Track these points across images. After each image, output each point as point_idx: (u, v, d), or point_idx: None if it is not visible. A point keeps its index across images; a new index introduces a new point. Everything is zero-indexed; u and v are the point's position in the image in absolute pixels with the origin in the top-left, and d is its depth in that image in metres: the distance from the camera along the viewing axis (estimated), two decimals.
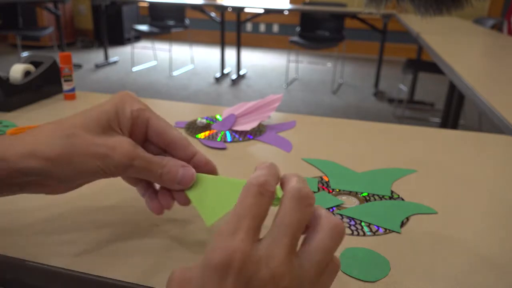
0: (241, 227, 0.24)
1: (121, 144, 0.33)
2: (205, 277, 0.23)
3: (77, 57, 4.94)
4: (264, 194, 0.25)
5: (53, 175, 0.32)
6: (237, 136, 0.62)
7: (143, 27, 4.38)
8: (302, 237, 0.26)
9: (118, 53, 5.18)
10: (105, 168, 0.32)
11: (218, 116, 0.70)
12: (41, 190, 0.34)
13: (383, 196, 0.46)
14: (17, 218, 0.39)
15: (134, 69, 4.42)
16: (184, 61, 4.84)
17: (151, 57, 4.95)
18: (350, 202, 0.45)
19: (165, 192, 0.36)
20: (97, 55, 5.07)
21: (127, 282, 0.32)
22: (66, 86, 0.76)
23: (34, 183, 0.32)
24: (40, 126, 0.33)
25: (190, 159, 0.36)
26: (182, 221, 0.40)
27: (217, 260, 0.22)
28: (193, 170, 0.34)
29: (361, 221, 0.41)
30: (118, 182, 0.46)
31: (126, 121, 0.34)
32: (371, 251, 0.37)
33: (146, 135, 0.36)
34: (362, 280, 0.33)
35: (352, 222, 0.41)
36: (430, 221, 0.42)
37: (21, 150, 0.31)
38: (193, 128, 0.65)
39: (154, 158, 0.34)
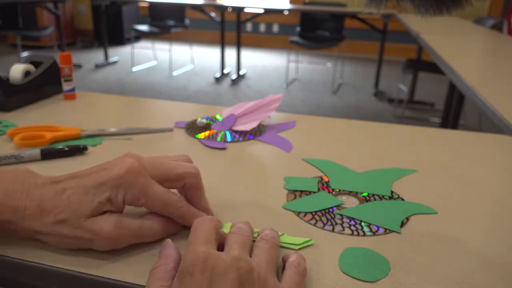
0: (197, 240, 0.30)
1: (106, 228, 0.33)
2: (181, 281, 0.28)
3: (77, 57, 4.94)
4: (209, 219, 0.33)
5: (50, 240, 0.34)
6: (237, 136, 0.62)
7: (143, 27, 4.38)
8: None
9: (118, 53, 5.18)
10: (92, 246, 0.34)
11: (218, 116, 0.70)
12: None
13: (383, 196, 0.46)
14: None
15: (134, 69, 4.42)
16: (184, 61, 4.84)
17: (151, 57, 4.95)
18: (350, 202, 0.45)
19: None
20: (97, 55, 5.07)
21: (127, 282, 0.32)
22: (66, 86, 0.76)
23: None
24: (40, 198, 0.34)
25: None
26: None
27: (186, 262, 0.28)
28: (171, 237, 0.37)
29: (361, 221, 0.41)
30: None
31: (116, 205, 0.35)
32: (371, 251, 0.37)
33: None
34: (362, 280, 0.33)
35: (352, 222, 0.41)
36: (430, 221, 0.42)
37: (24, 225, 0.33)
38: (193, 128, 0.65)
39: (137, 227, 0.35)
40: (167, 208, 0.36)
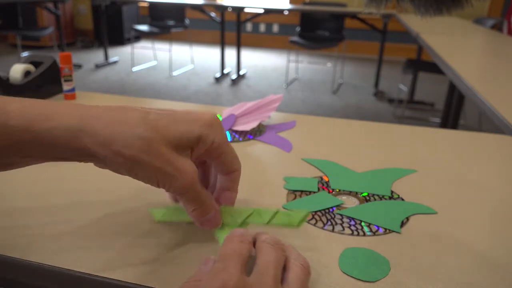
0: (229, 264, 0.28)
1: (187, 170, 0.32)
2: None
3: (77, 57, 4.94)
4: (243, 241, 0.31)
5: (114, 165, 0.32)
6: (237, 136, 0.62)
7: (143, 27, 4.38)
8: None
9: (118, 53, 5.18)
10: (162, 185, 0.32)
11: (218, 116, 0.70)
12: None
13: (383, 196, 0.46)
14: (17, 218, 0.39)
15: (134, 69, 4.42)
16: (184, 61, 4.84)
17: (151, 57, 4.95)
18: (350, 202, 0.45)
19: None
20: (97, 55, 5.07)
21: (127, 282, 0.32)
22: (66, 86, 0.76)
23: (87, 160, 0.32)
24: (126, 109, 0.32)
25: (227, 190, 0.38)
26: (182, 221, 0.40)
27: (215, 286, 0.26)
28: (219, 222, 0.36)
29: (361, 221, 0.41)
30: (118, 181, 0.46)
31: (202, 148, 0.34)
32: (371, 251, 0.37)
33: (209, 155, 0.36)
34: (362, 280, 0.33)
35: (352, 222, 0.41)
36: (430, 221, 0.42)
37: (99, 137, 0.30)
38: None
39: (202, 193, 0.34)
40: (237, 163, 0.37)
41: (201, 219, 0.35)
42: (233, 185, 0.38)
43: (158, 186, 0.32)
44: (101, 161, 0.31)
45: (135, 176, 0.32)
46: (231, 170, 0.38)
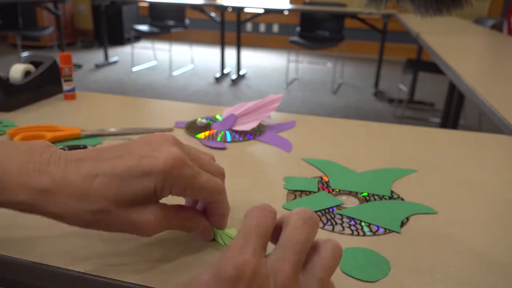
0: (248, 244, 0.25)
1: (146, 222, 0.32)
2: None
3: (77, 57, 4.94)
4: (267, 215, 0.27)
5: (71, 222, 0.32)
6: (237, 136, 0.62)
7: (143, 27, 4.38)
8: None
9: (118, 53, 5.18)
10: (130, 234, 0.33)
11: (218, 116, 0.70)
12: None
13: (383, 196, 0.46)
14: (17, 218, 0.39)
15: (134, 69, 4.42)
16: (184, 61, 4.84)
17: (151, 57, 4.95)
18: (350, 202, 0.45)
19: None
20: (97, 55, 5.07)
21: (127, 282, 0.32)
22: (66, 86, 0.76)
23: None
24: (72, 172, 0.31)
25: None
26: None
27: (229, 272, 0.23)
28: (211, 234, 0.36)
29: (361, 221, 0.41)
30: None
31: (160, 196, 0.33)
32: (371, 251, 0.37)
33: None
34: (362, 280, 0.33)
35: (352, 222, 0.41)
36: (430, 221, 0.42)
37: (51, 214, 0.31)
38: (193, 128, 0.65)
39: (174, 224, 0.34)
40: (213, 195, 0.34)
41: (196, 229, 0.36)
42: (216, 213, 0.36)
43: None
44: (65, 221, 0.32)
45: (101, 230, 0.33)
46: (209, 202, 0.35)
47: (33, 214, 0.31)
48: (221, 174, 0.36)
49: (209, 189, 0.34)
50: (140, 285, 0.32)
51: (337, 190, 0.47)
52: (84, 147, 0.54)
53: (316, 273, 0.26)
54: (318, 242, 0.28)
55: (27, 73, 0.73)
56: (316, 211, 0.43)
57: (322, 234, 0.39)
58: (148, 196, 0.31)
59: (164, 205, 0.33)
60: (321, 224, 0.40)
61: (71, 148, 0.53)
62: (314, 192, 0.47)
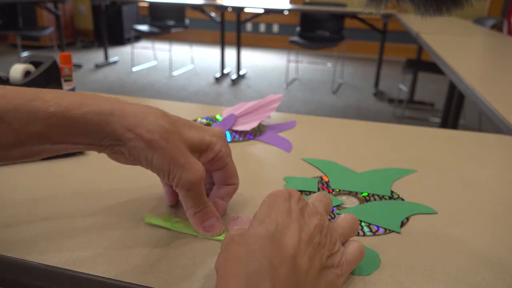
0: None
1: (197, 166, 0.35)
2: (272, 202, 0.30)
3: (77, 57, 4.94)
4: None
5: (134, 150, 0.34)
6: (237, 136, 0.62)
7: (143, 27, 4.38)
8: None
9: (118, 53, 5.18)
10: (172, 176, 0.34)
11: (218, 116, 0.70)
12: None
13: (383, 196, 0.46)
14: (17, 218, 0.39)
15: (134, 69, 4.42)
16: (184, 61, 4.84)
17: (151, 57, 4.95)
18: (350, 202, 0.45)
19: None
20: (97, 55, 5.07)
21: (127, 282, 0.32)
22: (66, 86, 0.76)
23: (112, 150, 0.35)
24: (151, 107, 0.36)
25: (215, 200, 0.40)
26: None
27: (281, 191, 0.31)
28: (222, 228, 0.38)
29: (361, 221, 0.41)
30: (118, 183, 0.46)
31: (210, 155, 0.38)
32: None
33: (217, 170, 0.40)
34: (355, 275, 0.33)
35: None
36: (430, 221, 0.42)
37: (126, 121, 0.33)
38: None
39: (205, 197, 0.36)
40: (236, 178, 0.41)
41: (203, 223, 0.36)
42: (227, 197, 0.41)
43: (168, 177, 0.34)
44: (125, 145, 0.34)
45: (150, 163, 0.34)
46: (231, 182, 0.40)
47: (108, 130, 0.33)
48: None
49: (236, 170, 0.41)
50: (140, 285, 0.32)
51: (337, 190, 0.47)
52: None
53: (338, 228, 0.33)
54: (339, 215, 0.35)
55: (27, 73, 0.73)
56: None
57: None
58: (202, 148, 0.37)
59: None
60: None
61: None
62: (314, 192, 0.47)
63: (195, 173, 0.34)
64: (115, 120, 0.33)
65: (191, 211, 0.36)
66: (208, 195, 0.41)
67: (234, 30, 4.31)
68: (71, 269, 0.33)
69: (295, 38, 3.96)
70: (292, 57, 4.64)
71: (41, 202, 0.42)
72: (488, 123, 2.95)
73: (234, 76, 4.11)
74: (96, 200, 0.43)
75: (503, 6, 4.84)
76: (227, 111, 0.70)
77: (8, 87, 0.32)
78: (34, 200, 0.42)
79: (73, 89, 0.77)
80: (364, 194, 0.47)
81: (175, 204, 0.42)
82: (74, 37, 5.93)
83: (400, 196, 0.46)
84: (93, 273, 0.33)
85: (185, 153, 0.34)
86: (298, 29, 4.20)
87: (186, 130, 0.36)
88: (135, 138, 0.33)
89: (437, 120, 3.12)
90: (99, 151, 0.35)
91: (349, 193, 0.47)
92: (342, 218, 0.35)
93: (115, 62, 4.73)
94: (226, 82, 4.05)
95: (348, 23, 4.47)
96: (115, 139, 0.34)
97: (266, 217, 0.29)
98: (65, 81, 0.76)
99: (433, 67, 2.40)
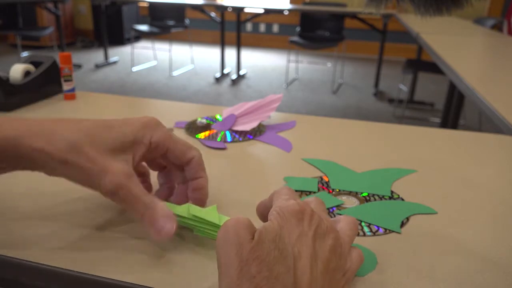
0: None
1: (114, 170, 0.33)
2: (283, 223, 0.28)
3: (77, 57, 4.94)
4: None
5: (49, 168, 0.34)
6: (237, 136, 0.62)
7: (143, 27, 4.38)
8: None
9: (118, 53, 5.18)
10: (92, 185, 0.33)
11: (218, 116, 0.70)
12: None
13: (383, 196, 0.46)
14: (17, 219, 0.39)
15: (134, 69, 4.42)
16: (184, 61, 4.84)
17: (151, 57, 4.95)
18: (350, 202, 0.45)
19: (181, 192, 0.40)
20: (97, 55, 5.07)
21: (127, 282, 0.32)
22: (66, 86, 0.76)
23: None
24: (62, 120, 0.35)
25: (195, 179, 0.39)
26: None
27: (296, 207, 0.29)
28: (174, 226, 0.34)
29: (361, 221, 0.41)
30: None
31: (140, 149, 0.36)
32: (356, 245, 0.37)
33: (164, 155, 0.38)
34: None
35: None
36: (430, 221, 0.42)
37: (34, 143, 0.32)
38: (193, 128, 0.65)
39: (143, 196, 0.34)
40: (190, 151, 0.38)
41: (153, 227, 0.33)
42: (197, 172, 0.38)
43: (90, 186, 0.33)
44: (40, 166, 0.33)
45: (68, 177, 0.34)
46: (187, 159, 0.38)
47: (18, 154, 0.33)
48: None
49: (186, 146, 0.38)
50: (140, 285, 0.32)
51: (337, 190, 0.47)
52: None
53: (342, 234, 0.32)
54: (339, 217, 0.34)
55: (27, 73, 0.73)
56: None
57: None
58: (127, 147, 0.35)
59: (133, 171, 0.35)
60: None
61: None
62: (314, 192, 0.47)
63: (112, 177, 0.33)
64: (23, 142, 0.32)
65: (136, 217, 0.34)
66: (173, 189, 0.41)
67: (234, 30, 4.31)
68: (71, 269, 0.33)
69: (295, 38, 3.96)
70: (292, 57, 4.64)
71: (41, 202, 0.42)
72: (488, 123, 2.95)
73: (234, 76, 4.11)
74: (95, 200, 0.43)
75: (503, 6, 4.84)
76: (227, 111, 0.70)
77: None
78: (34, 200, 0.42)
79: (73, 89, 0.77)
80: (364, 194, 0.47)
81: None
82: (74, 37, 5.93)
83: (400, 196, 0.46)
84: (93, 273, 0.33)
85: (98, 160, 0.33)
86: (298, 29, 4.20)
87: (105, 133, 0.34)
88: (44, 158, 0.32)
89: (437, 120, 3.12)
90: (21, 169, 0.35)
91: (349, 193, 0.47)
92: (346, 224, 0.33)
93: (115, 62, 4.73)
94: (226, 82, 4.05)
95: (348, 23, 4.47)
96: (29, 161, 0.33)
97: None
98: (65, 81, 0.76)
99: (433, 67, 2.40)
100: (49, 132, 0.33)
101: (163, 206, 0.34)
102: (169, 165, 0.41)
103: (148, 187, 0.42)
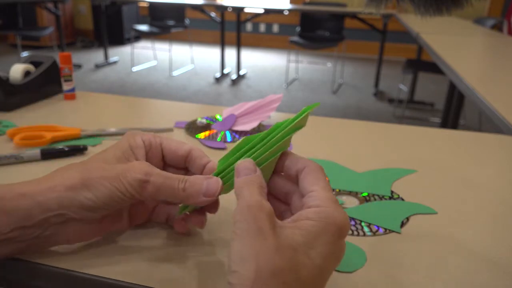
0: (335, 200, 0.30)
1: (136, 165, 0.33)
2: (327, 232, 0.27)
3: (77, 57, 4.94)
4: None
5: (73, 205, 0.31)
6: (237, 136, 0.62)
7: (143, 27, 4.38)
8: None
9: (118, 53, 5.18)
10: (121, 188, 0.31)
11: (218, 116, 0.70)
12: (66, 234, 0.33)
13: (383, 196, 0.46)
14: None
15: (134, 69, 4.42)
16: (184, 61, 4.84)
17: (151, 57, 4.95)
18: (350, 202, 0.45)
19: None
20: (97, 55, 5.07)
21: (127, 282, 0.32)
22: (66, 86, 0.76)
23: (57, 223, 0.32)
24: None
25: (204, 166, 0.36)
26: None
27: (342, 221, 0.28)
28: (219, 179, 0.33)
29: (361, 221, 0.41)
30: None
31: (140, 150, 0.35)
32: (347, 242, 0.37)
33: (164, 160, 0.37)
34: (341, 272, 0.33)
35: (352, 222, 0.41)
36: (430, 221, 0.42)
37: (42, 187, 0.32)
38: (193, 128, 0.65)
39: (173, 174, 0.33)
40: (185, 144, 0.37)
41: (200, 189, 0.33)
42: (202, 159, 0.36)
43: (123, 194, 0.32)
44: (60, 218, 0.32)
45: (96, 201, 0.32)
46: (185, 151, 0.37)
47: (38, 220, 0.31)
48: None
49: (178, 140, 0.37)
50: (140, 285, 0.32)
51: (337, 190, 0.47)
52: (84, 147, 0.54)
53: None
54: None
55: (27, 73, 0.73)
56: None
57: None
58: (126, 150, 0.35)
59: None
60: None
61: (71, 148, 0.53)
62: None
63: (136, 167, 0.32)
64: (28, 204, 0.31)
65: (177, 196, 0.33)
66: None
67: (234, 30, 4.31)
68: (71, 269, 0.33)
69: (295, 38, 3.96)
70: (292, 57, 4.64)
71: None
72: (488, 123, 2.95)
73: (234, 76, 4.11)
74: None
75: (503, 6, 4.84)
76: (227, 111, 0.70)
77: None
78: None
79: (73, 89, 0.77)
80: (364, 194, 0.47)
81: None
82: (74, 37, 5.93)
83: (400, 196, 0.46)
84: (93, 273, 0.33)
85: (112, 167, 0.33)
86: (298, 29, 4.20)
87: (107, 156, 0.34)
88: (56, 195, 0.31)
89: (437, 120, 3.12)
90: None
91: (349, 193, 0.47)
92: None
93: (115, 62, 4.73)
94: (226, 82, 4.05)
95: (348, 23, 4.47)
96: (49, 214, 0.31)
97: (310, 249, 0.26)
98: (65, 81, 0.76)
99: (433, 67, 2.40)
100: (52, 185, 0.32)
101: (196, 175, 0.34)
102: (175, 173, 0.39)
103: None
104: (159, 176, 0.32)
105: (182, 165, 0.37)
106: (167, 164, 0.38)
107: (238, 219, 0.27)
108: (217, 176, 0.34)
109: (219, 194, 0.33)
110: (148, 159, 0.36)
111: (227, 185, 0.34)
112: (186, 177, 0.33)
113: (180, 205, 0.37)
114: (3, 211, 0.30)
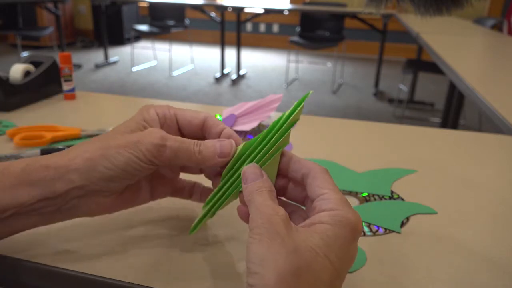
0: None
1: (152, 131, 0.33)
2: (344, 234, 0.27)
3: (77, 57, 4.94)
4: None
5: (93, 176, 0.32)
6: None
7: (143, 27, 4.38)
8: None
9: (118, 53, 5.18)
10: (138, 154, 0.32)
11: (218, 116, 0.70)
12: (87, 207, 0.33)
13: (383, 196, 0.46)
14: None
15: (134, 69, 4.42)
16: (184, 61, 4.84)
17: (151, 57, 4.95)
18: (350, 202, 0.45)
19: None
20: (97, 55, 5.07)
21: (127, 282, 0.32)
22: (66, 86, 0.76)
23: (79, 196, 0.32)
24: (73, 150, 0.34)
25: (219, 133, 0.36)
26: (182, 220, 0.40)
27: (356, 222, 0.28)
28: (231, 140, 0.35)
29: None
30: None
31: (155, 123, 0.35)
32: None
33: (180, 131, 0.37)
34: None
35: None
36: (430, 221, 0.42)
37: (64, 159, 0.32)
38: None
39: (187, 139, 0.34)
40: (200, 113, 0.37)
41: (215, 151, 0.34)
42: (218, 127, 0.37)
43: (140, 160, 0.32)
44: (81, 190, 0.32)
45: (115, 170, 0.32)
46: (200, 120, 0.37)
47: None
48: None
49: (192, 109, 0.37)
50: (140, 285, 0.32)
51: None
52: None
53: None
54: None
55: (27, 73, 0.73)
56: None
57: None
58: (140, 122, 0.35)
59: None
60: None
61: None
62: None
63: (152, 133, 0.33)
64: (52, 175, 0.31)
65: (194, 154, 0.33)
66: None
67: (234, 30, 4.31)
68: (71, 269, 0.33)
69: (295, 38, 3.96)
70: (292, 57, 4.64)
71: None
72: (488, 123, 2.95)
73: (234, 76, 4.11)
74: None
75: (503, 6, 4.84)
76: (227, 111, 0.70)
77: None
78: None
79: (73, 89, 0.77)
80: (364, 194, 0.47)
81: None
82: (74, 37, 5.93)
83: (400, 196, 0.46)
84: (93, 273, 0.33)
85: (129, 135, 0.33)
86: (298, 29, 4.20)
87: (122, 129, 0.35)
88: (77, 165, 0.32)
89: (437, 120, 3.12)
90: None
91: (349, 193, 0.47)
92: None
93: (115, 62, 4.73)
94: (226, 82, 4.05)
95: (348, 23, 4.47)
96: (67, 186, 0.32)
97: (331, 252, 0.26)
98: (65, 81, 0.76)
99: (433, 67, 2.40)
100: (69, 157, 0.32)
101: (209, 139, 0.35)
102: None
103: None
104: (175, 140, 0.33)
105: (199, 135, 0.37)
106: (183, 135, 0.37)
107: (255, 225, 0.27)
108: (223, 185, 0.35)
109: (233, 155, 0.34)
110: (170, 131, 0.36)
111: (235, 193, 0.34)
112: (200, 141, 0.34)
113: (193, 223, 0.36)
114: (27, 182, 0.31)
